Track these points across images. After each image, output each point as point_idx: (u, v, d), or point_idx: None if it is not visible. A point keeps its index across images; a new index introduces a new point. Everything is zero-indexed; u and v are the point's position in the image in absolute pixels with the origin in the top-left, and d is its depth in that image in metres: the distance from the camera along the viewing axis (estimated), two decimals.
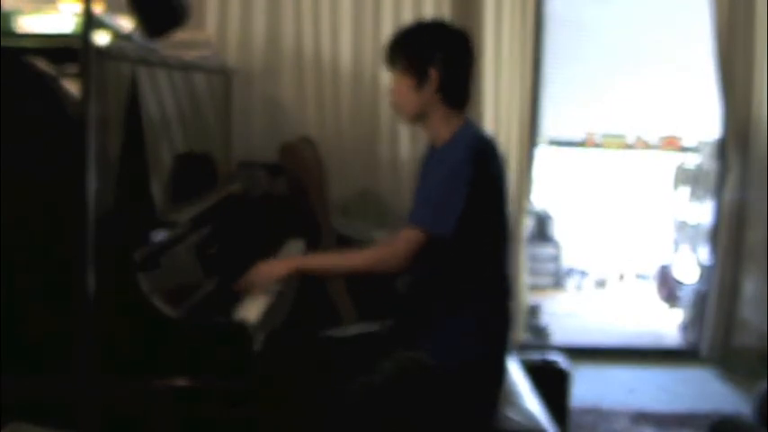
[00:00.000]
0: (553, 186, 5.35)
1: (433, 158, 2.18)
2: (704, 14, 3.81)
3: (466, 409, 2.06)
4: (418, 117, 2.15)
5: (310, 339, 2.30)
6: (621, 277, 5.73)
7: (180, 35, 1.87)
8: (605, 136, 4.69)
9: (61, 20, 1.89)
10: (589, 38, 4.33)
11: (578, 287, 5.63)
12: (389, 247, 2.08)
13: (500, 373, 2.16)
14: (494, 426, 2.08)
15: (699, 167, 4.30)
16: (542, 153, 4.23)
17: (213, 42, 3.25)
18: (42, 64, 1.79)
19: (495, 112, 3.79)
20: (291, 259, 2.24)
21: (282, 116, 3.70)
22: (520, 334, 4.03)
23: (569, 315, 4.96)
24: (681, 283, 4.63)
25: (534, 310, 4.32)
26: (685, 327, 4.33)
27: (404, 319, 2.22)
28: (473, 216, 2.00)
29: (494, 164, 2.10)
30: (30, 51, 1.81)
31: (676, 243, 4.79)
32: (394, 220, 3.47)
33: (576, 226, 5.75)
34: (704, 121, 4.19)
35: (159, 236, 2.01)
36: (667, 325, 4.63)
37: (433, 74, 2.08)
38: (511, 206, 3.85)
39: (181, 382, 1.82)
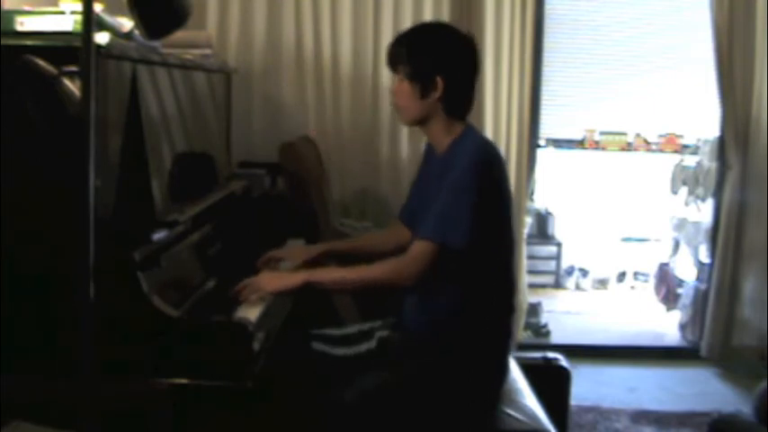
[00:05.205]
0: (553, 186, 5.35)
1: (433, 165, 2.15)
2: (704, 14, 3.81)
3: (468, 411, 2.06)
4: (419, 122, 2.12)
5: (310, 339, 2.30)
6: (621, 276, 5.73)
7: (180, 35, 1.87)
8: (605, 134, 4.69)
9: (61, 19, 1.89)
10: (588, 37, 4.33)
11: (578, 286, 5.63)
12: (401, 260, 2.03)
13: (503, 373, 2.17)
14: (494, 424, 2.08)
15: (698, 166, 4.30)
16: (542, 153, 4.23)
17: (213, 42, 3.25)
18: (42, 63, 1.78)
19: (495, 112, 3.80)
20: (302, 273, 2.19)
21: (282, 116, 3.71)
22: (520, 333, 4.04)
23: (569, 314, 4.97)
24: (680, 283, 4.63)
25: (534, 309, 4.32)
26: (685, 326, 4.33)
27: (405, 322, 2.21)
28: (482, 225, 1.97)
29: (497, 170, 2.05)
30: (30, 51, 1.81)
31: (676, 242, 4.79)
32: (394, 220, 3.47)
33: (577, 225, 5.76)
34: (704, 119, 4.19)
35: (159, 235, 2.01)
36: (667, 324, 4.63)
37: (440, 83, 2.04)
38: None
39: (181, 381, 1.82)
